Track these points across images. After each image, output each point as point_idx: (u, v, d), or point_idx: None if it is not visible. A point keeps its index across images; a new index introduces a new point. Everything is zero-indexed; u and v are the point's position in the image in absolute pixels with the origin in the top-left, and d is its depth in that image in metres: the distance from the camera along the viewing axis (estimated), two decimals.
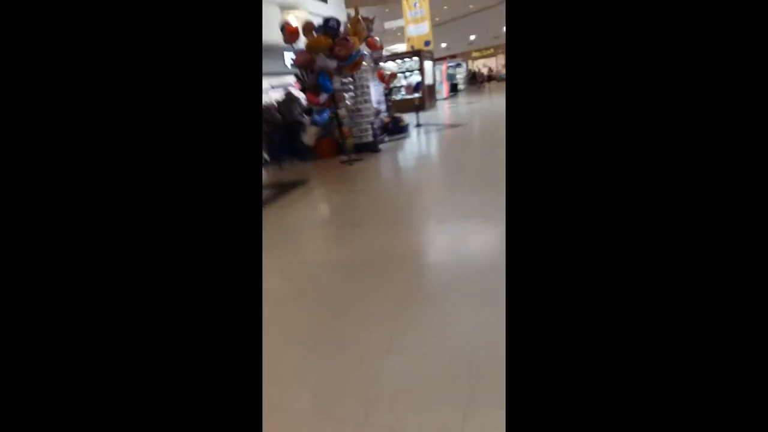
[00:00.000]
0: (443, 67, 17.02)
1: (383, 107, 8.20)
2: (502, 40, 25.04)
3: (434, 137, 7.42)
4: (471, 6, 23.28)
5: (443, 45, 26.70)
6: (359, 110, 6.31)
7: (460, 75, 20.86)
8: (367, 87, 6.36)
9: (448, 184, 4.22)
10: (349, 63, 5.43)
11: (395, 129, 7.98)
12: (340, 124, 6.09)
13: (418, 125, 8.75)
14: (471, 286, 2.00)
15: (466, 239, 2.67)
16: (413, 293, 2.05)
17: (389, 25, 20.21)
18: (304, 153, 6.65)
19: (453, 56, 24.64)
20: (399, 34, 17.97)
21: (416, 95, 9.36)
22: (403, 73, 12.40)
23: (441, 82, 16.69)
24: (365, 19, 6.43)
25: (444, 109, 12.43)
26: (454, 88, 19.11)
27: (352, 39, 5.56)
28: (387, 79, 8.06)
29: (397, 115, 8.22)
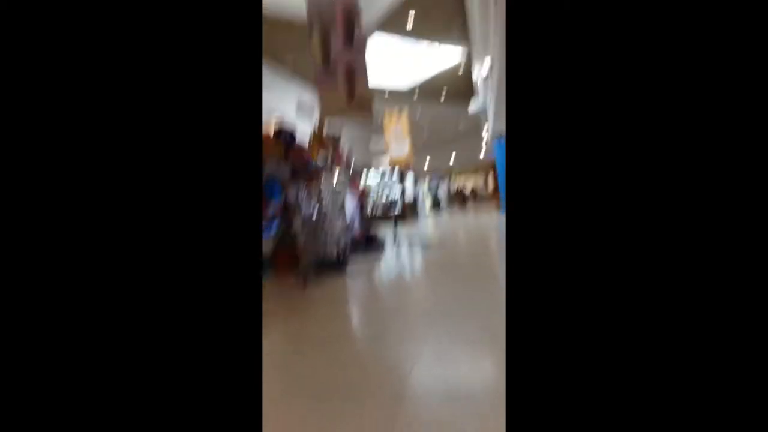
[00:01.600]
0: (425, 185, 17.18)
1: (356, 224, 7.32)
2: (482, 162, 26.52)
3: (414, 259, 6.36)
4: (460, 127, 25.05)
5: (427, 163, 28.14)
6: (321, 225, 5.32)
7: (442, 191, 21.22)
8: (332, 201, 5.49)
9: (427, 329, 2.95)
10: (305, 173, 4.63)
11: (369, 246, 6.97)
12: (293, 240, 5.01)
13: (397, 245, 7.78)
14: None
15: None
16: None
17: (373, 147, 21.24)
18: None
19: (436, 173, 25.65)
20: (381, 157, 18.63)
21: (394, 212, 8.56)
22: (383, 189, 12.06)
23: (423, 200, 16.63)
24: (331, 138, 5.98)
25: (426, 227, 11.75)
26: (436, 204, 19.12)
27: (311, 147, 4.87)
28: (360, 194, 7.34)
29: (372, 233, 7.29)
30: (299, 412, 1.95)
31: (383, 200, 11.64)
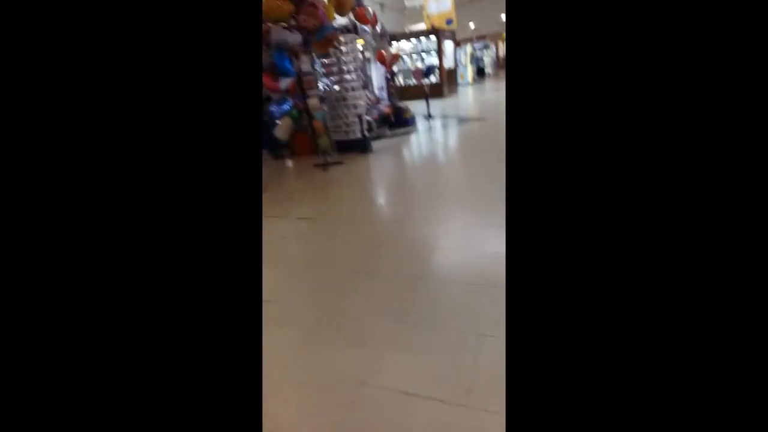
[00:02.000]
0: (468, 48, 15.24)
1: (384, 95, 6.79)
2: None
3: (447, 133, 5.97)
4: None
5: (471, 26, 24.67)
6: (344, 99, 4.94)
7: (488, 58, 18.85)
8: (356, 70, 4.97)
9: (454, 203, 2.85)
10: (318, 39, 4.04)
11: (398, 122, 6.57)
12: (310, 118, 4.74)
13: (429, 117, 7.27)
14: None
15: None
16: None
17: (410, 2, 18.45)
18: (274, 148, 5.37)
19: (482, 37, 22.60)
20: (421, 13, 16.21)
21: (427, 81, 7.72)
22: (419, 54, 10.82)
23: (465, 66, 14.96)
24: None
25: (466, 97, 10.81)
26: (480, 72, 17.25)
27: (326, 7, 4.15)
28: (389, 62, 6.60)
29: (402, 104, 6.77)
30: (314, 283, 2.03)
31: (417, 67, 10.52)
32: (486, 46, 19.25)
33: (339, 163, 4.57)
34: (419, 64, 10.42)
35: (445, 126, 6.56)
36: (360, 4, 5.22)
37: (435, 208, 2.88)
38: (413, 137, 5.92)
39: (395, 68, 11.04)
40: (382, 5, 17.42)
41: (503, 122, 5.05)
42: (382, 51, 6.60)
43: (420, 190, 3.46)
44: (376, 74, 6.83)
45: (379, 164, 4.62)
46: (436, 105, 9.48)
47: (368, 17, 5.47)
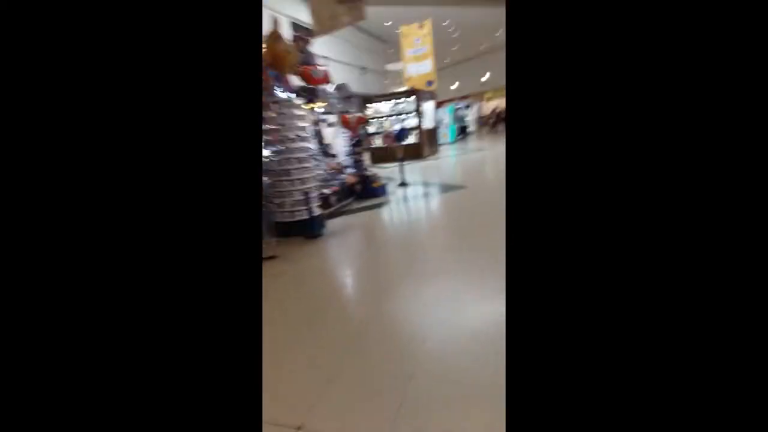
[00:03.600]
0: (453, 108, 14.93)
1: (350, 161, 5.85)
2: None
3: (423, 207, 4.94)
4: (482, 47, 21.77)
5: (453, 87, 25.15)
6: (286, 171, 3.92)
7: (470, 117, 18.64)
8: (302, 139, 4.00)
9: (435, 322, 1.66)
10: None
11: (366, 192, 5.58)
12: None
13: (404, 184, 6.32)
14: None
15: None
16: None
17: (393, 66, 18.61)
18: None
19: (464, 97, 22.84)
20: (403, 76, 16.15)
21: (399, 144, 6.76)
22: (397, 116, 10.20)
23: (448, 125, 14.54)
24: (297, 38, 4.19)
25: (448, 159, 10.04)
26: (463, 131, 16.90)
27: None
28: (354, 125, 5.72)
29: (370, 172, 5.81)
30: None
31: (382, 132, 9.72)
32: (468, 106, 19.15)
33: (271, 257, 3.41)
34: (396, 127, 9.74)
35: (425, 195, 5.56)
36: (308, 62, 4.40)
37: (399, 362, 1.68)
38: (384, 211, 4.87)
39: (371, 130, 10.44)
40: (363, 68, 17.50)
41: (493, 191, 3.78)
42: (346, 115, 5.76)
43: (371, 316, 2.27)
44: (342, 139, 5.94)
45: (326, 256, 3.48)
46: (415, 168, 8.64)
47: (316, 76, 4.60)
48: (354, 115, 5.91)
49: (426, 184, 6.39)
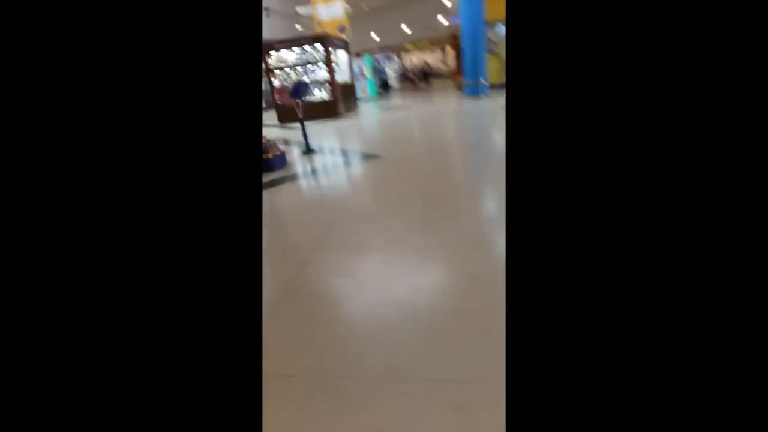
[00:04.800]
0: (371, 59, 13.51)
1: None
2: (440, 32, 22.09)
3: (332, 183, 3.84)
4: None
5: (374, 37, 23.41)
6: None
7: (392, 71, 17.37)
8: None
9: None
10: None
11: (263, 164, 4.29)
12: None
13: (309, 151, 5.11)
14: None
15: None
16: None
17: (303, 10, 16.29)
18: None
19: (385, 48, 21.34)
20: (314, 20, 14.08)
21: (298, 101, 5.25)
22: (304, 66, 8.62)
23: (367, 79, 13.20)
24: None
25: (369, 117, 8.88)
26: (385, 86, 15.69)
27: None
28: None
29: (264, 140, 4.49)
30: None
31: (282, 84, 8.20)
32: (389, 58, 17.77)
33: None
34: (305, 78, 8.22)
35: (333, 167, 4.45)
36: None
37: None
38: (283, 191, 3.69)
39: (276, 83, 8.77)
40: (266, 9, 15.00)
41: (421, 161, 2.67)
42: None
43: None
44: None
45: None
46: (330, 128, 7.38)
47: None
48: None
49: (338, 152, 5.25)
